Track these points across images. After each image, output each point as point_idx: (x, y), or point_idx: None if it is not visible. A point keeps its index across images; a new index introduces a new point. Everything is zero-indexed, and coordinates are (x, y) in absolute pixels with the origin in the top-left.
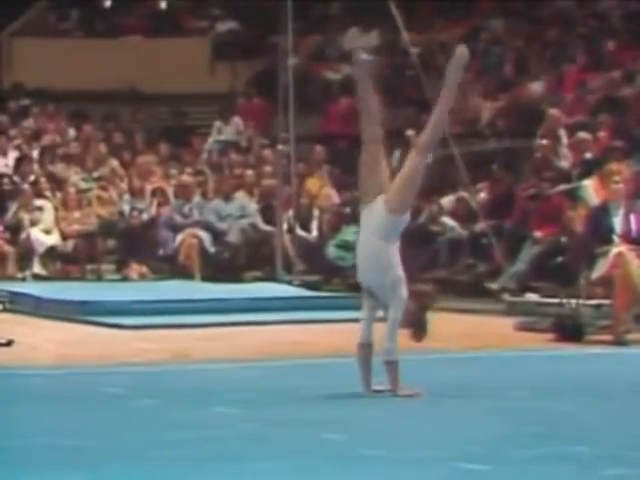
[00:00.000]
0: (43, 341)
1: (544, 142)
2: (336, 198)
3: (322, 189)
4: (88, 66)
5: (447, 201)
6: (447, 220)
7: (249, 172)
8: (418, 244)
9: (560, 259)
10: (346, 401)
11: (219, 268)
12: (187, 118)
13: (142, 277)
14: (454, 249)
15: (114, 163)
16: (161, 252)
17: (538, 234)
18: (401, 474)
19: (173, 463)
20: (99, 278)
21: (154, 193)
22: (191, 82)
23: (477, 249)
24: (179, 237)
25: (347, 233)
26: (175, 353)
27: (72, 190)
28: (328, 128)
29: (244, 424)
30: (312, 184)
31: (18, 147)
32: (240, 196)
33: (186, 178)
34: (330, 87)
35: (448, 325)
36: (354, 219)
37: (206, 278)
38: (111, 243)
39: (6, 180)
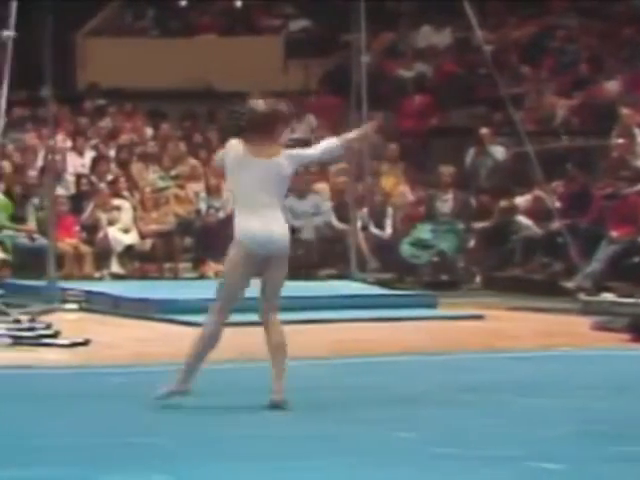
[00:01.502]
0: (120, 340)
1: (620, 141)
2: (410, 195)
3: (396, 186)
4: (163, 65)
5: (522, 200)
6: (522, 219)
7: (324, 170)
8: (493, 242)
9: (636, 259)
10: (417, 399)
11: (293, 266)
12: None
13: (219, 275)
14: (529, 248)
15: (191, 161)
16: None
17: (614, 234)
18: (474, 472)
19: (242, 461)
20: (176, 277)
21: (231, 191)
22: (264, 80)
23: (552, 248)
24: None
25: (422, 231)
26: (246, 350)
27: (149, 189)
28: (401, 125)
29: (315, 422)
30: (386, 181)
31: (95, 147)
32: (314, 194)
33: None
34: (403, 84)
35: (523, 324)
36: (429, 217)
37: None
38: (188, 241)
39: (83, 180)
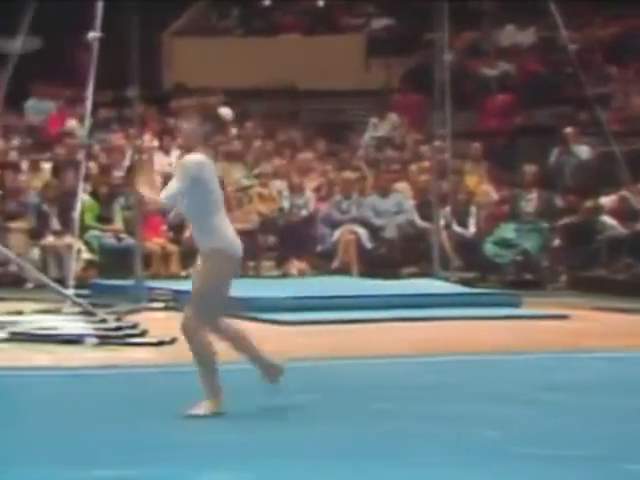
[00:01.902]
0: None
1: None
2: (494, 194)
3: (479, 185)
4: (247, 64)
5: (607, 200)
6: (607, 219)
7: (409, 168)
8: (577, 242)
9: None
10: (501, 398)
11: (376, 264)
12: (343, 115)
13: (302, 273)
14: (614, 248)
15: (275, 160)
16: (320, 248)
17: None
18: (560, 473)
19: (331, 458)
20: (258, 275)
21: (313, 189)
22: (347, 79)
23: (637, 248)
24: (337, 233)
25: (506, 230)
26: (333, 348)
27: (233, 188)
28: (485, 124)
29: (400, 420)
30: (470, 180)
31: (181, 146)
32: (397, 192)
33: (345, 174)
34: (486, 83)
35: (608, 324)
36: (513, 216)
37: (363, 274)
38: (271, 240)
39: (170, 179)
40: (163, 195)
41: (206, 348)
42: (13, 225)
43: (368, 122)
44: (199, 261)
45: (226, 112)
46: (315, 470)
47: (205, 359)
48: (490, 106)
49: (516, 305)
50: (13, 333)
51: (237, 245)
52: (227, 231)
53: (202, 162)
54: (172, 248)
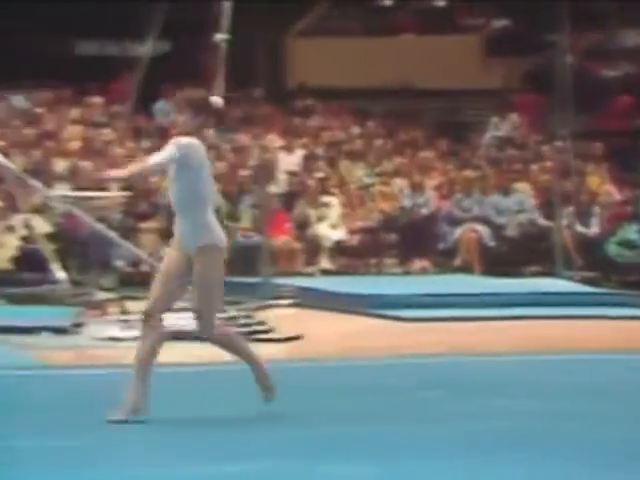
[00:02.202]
0: (331, 334)
1: None
2: (617, 195)
3: (602, 186)
4: (368, 64)
5: None
6: None
7: (530, 167)
8: None
9: None
10: (620, 397)
11: (498, 262)
12: (463, 114)
13: (424, 271)
14: None
15: (396, 159)
16: (441, 246)
17: None
18: None
19: (460, 455)
20: (380, 272)
21: (434, 188)
22: (466, 78)
23: None
24: (458, 231)
25: (629, 231)
26: (454, 346)
27: (355, 186)
28: (606, 125)
29: (522, 417)
30: (592, 181)
31: (305, 145)
32: (518, 191)
33: (466, 173)
34: (608, 84)
35: None
36: (636, 217)
37: (486, 272)
38: (392, 237)
39: (294, 178)
40: (151, 160)
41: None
42: (144, 225)
43: (488, 121)
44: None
45: (216, 100)
46: (440, 468)
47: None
48: (612, 107)
49: (636, 305)
50: None
51: (224, 238)
52: (216, 225)
53: (194, 144)
54: (296, 245)
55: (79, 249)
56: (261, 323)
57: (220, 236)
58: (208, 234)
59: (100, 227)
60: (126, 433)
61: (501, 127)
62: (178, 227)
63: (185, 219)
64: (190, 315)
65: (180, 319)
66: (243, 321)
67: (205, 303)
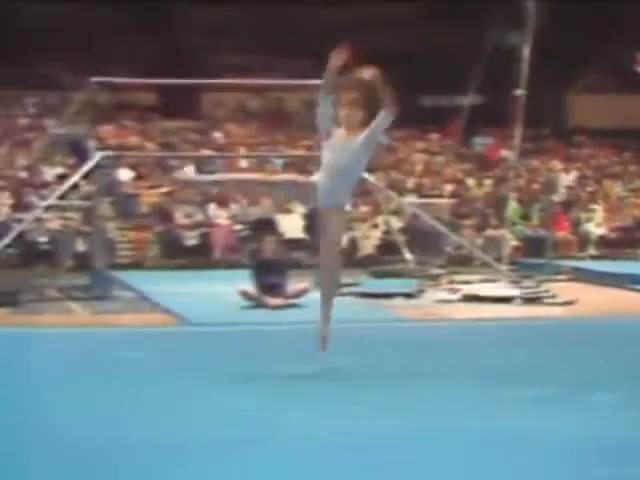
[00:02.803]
0: (597, 300)
1: None
2: None
3: None
4: (626, 115)
5: None
6: None
7: None
8: None
9: None
10: None
11: None
12: None
13: None
14: None
15: None
16: None
17: None
18: None
19: None
20: (634, 258)
21: None
22: None
23: None
24: None
25: None
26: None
27: (614, 198)
28: None
29: None
30: None
31: (578, 168)
32: None
33: None
34: None
35: None
36: None
37: None
38: None
39: (570, 191)
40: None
41: None
42: (465, 222)
43: None
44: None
45: (367, 73)
46: None
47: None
48: None
49: None
50: (465, 295)
51: None
52: None
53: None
54: (571, 238)
55: (421, 239)
56: (546, 291)
57: None
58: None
59: (435, 223)
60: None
61: None
62: (328, 187)
63: (346, 181)
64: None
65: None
66: (533, 290)
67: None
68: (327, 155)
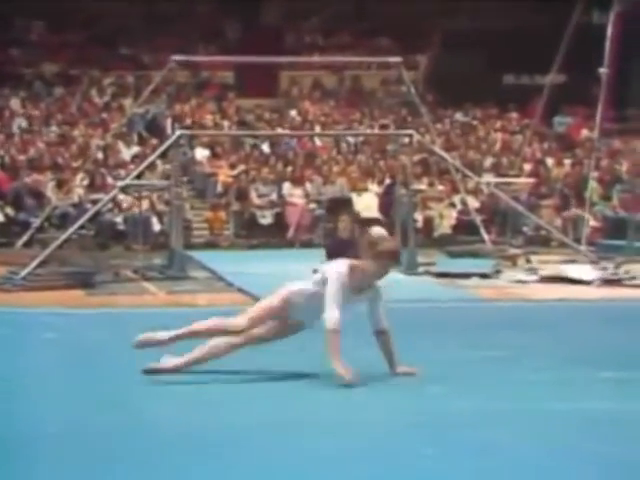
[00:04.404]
0: None
1: None
2: None
3: None
4: None
5: None
6: None
7: None
8: None
9: None
10: None
11: None
12: None
13: None
14: None
15: None
16: None
17: None
18: None
19: None
20: None
21: None
22: None
23: None
24: None
25: None
26: None
27: None
28: None
29: None
30: None
31: None
32: None
33: None
34: None
35: None
36: None
37: None
38: None
39: None
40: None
41: None
42: (543, 203)
43: None
44: None
45: (377, 232)
46: None
47: None
48: None
49: None
50: (543, 276)
51: None
52: None
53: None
54: None
55: (499, 219)
56: (626, 273)
57: None
58: None
59: (513, 203)
60: None
61: None
62: None
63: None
64: None
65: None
66: (613, 271)
67: None
68: None
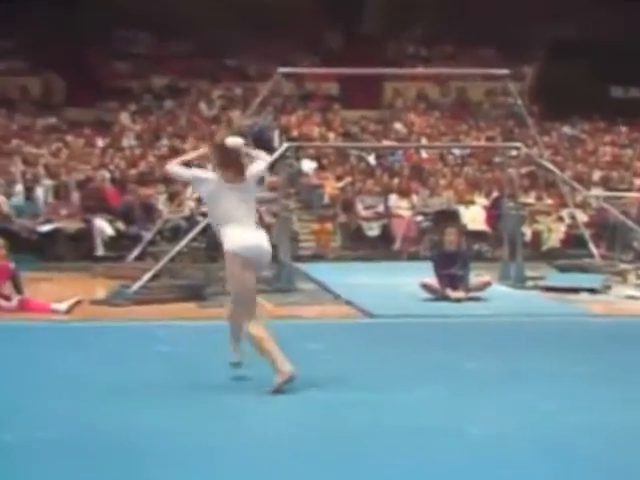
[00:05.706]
0: None
1: None
2: None
3: None
4: None
5: None
6: None
7: None
8: None
9: None
10: None
11: None
12: None
13: None
14: None
15: None
16: None
17: None
18: None
19: None
20: None
21: None
22: None
23: None
24: None
25: None
26: None
27: None
28: None
29: None
30: None
31: None
32: None
33: None
34: None
35: None
36: None
37: None
38: None
39: None
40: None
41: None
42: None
43: None
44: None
45: (232, 141)
46: None
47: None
48: None
49: None
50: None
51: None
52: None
53: (209, 178)
54: None
55: (608, 233)
56: None
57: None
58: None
59: (623, 218)
60: None
61: None
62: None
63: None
64: None
65: None
66: None
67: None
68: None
